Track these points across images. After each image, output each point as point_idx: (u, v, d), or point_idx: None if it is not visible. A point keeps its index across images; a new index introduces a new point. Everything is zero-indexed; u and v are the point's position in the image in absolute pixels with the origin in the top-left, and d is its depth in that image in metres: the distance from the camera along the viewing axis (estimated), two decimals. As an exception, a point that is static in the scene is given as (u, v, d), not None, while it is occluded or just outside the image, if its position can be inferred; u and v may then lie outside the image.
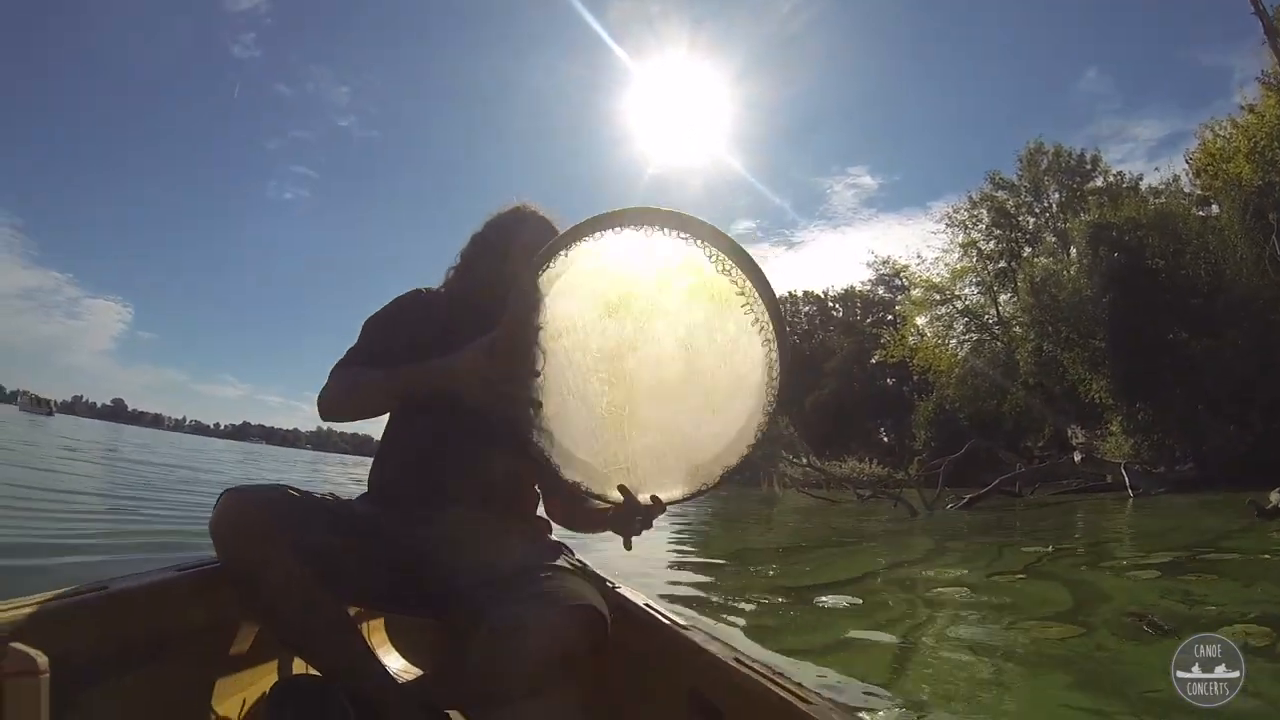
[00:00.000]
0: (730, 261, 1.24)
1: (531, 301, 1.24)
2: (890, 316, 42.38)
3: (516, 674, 1.11)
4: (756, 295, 1.25)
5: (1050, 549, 6.54)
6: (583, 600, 1.15)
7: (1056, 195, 30.38)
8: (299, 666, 1.38)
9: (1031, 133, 31.70)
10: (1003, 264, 30.88)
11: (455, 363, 1.30)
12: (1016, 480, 16.57)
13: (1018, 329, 27.50)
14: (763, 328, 1.26)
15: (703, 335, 1.28)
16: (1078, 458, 16.59)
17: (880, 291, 47.07)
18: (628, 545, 1.38)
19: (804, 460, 25.92)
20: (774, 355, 1.27)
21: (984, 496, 14.71)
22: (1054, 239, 29.14)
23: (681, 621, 1.40)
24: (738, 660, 1.17)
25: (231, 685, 1.34)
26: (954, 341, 31.26)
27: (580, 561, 1.44)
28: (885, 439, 44.56)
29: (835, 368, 48.16)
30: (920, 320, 32.37)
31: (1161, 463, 16.56)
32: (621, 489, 1.30)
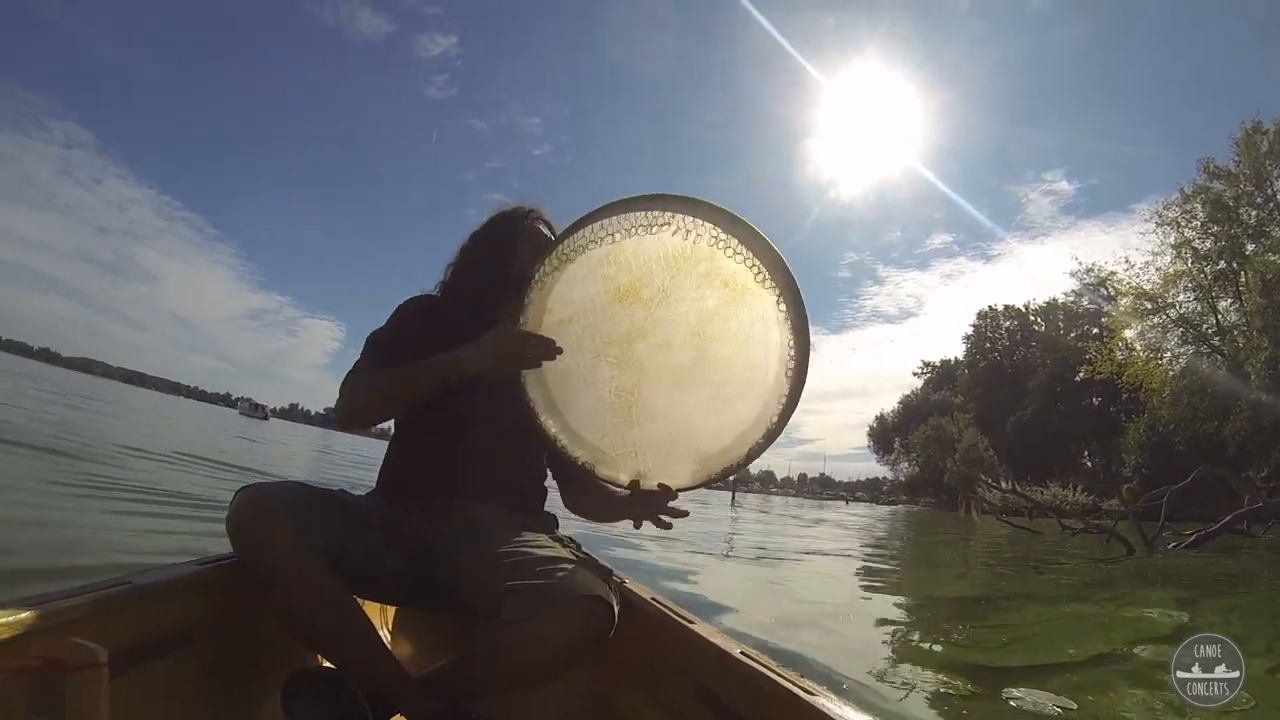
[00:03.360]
0: (747, 248, 1.25)
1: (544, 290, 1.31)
2: (1096, 330, 38.94)
3: (526, 664, 1.18)
4: (775, 282, 1.25)
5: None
6: (591, 593, 1.17)
7: (1282, 182, 26.54)
8: (315, 658, 1.39)
9: (1242, 114, 27.66)
10: (1222, 265, 27.83)
11: (475, 345, 1.34)
12: (1245, 517, 14.42)
13: (1242, 339, 24.41)
14: (782, 316, 1.26)
15: (716, 323, 1.29)
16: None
17: (1085, 303, 43.13)
18: (637, 525, 1.44)
19: (1004, 485, 24.38)
20: (791, 345, 1.26)
21: (1215, 534, 12.76)
22: (1282, 232, 25.56)
23: (688, 616, 1.41)
24: (744, 654, 1.18)
25: (248, 676, 1.37)
26: (1168, 355, 28.55)
27: (587, 554, 1.40)
28: (1089, 464, 40.69)
29: (1038, 386, 45.19)
30: (1129, 333, 29.76)
31: None
32: (631, 484, 1.37)
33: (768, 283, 1.25)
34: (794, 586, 6.49)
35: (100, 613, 1.02)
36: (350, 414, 1.45)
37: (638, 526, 1.45)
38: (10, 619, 0.87)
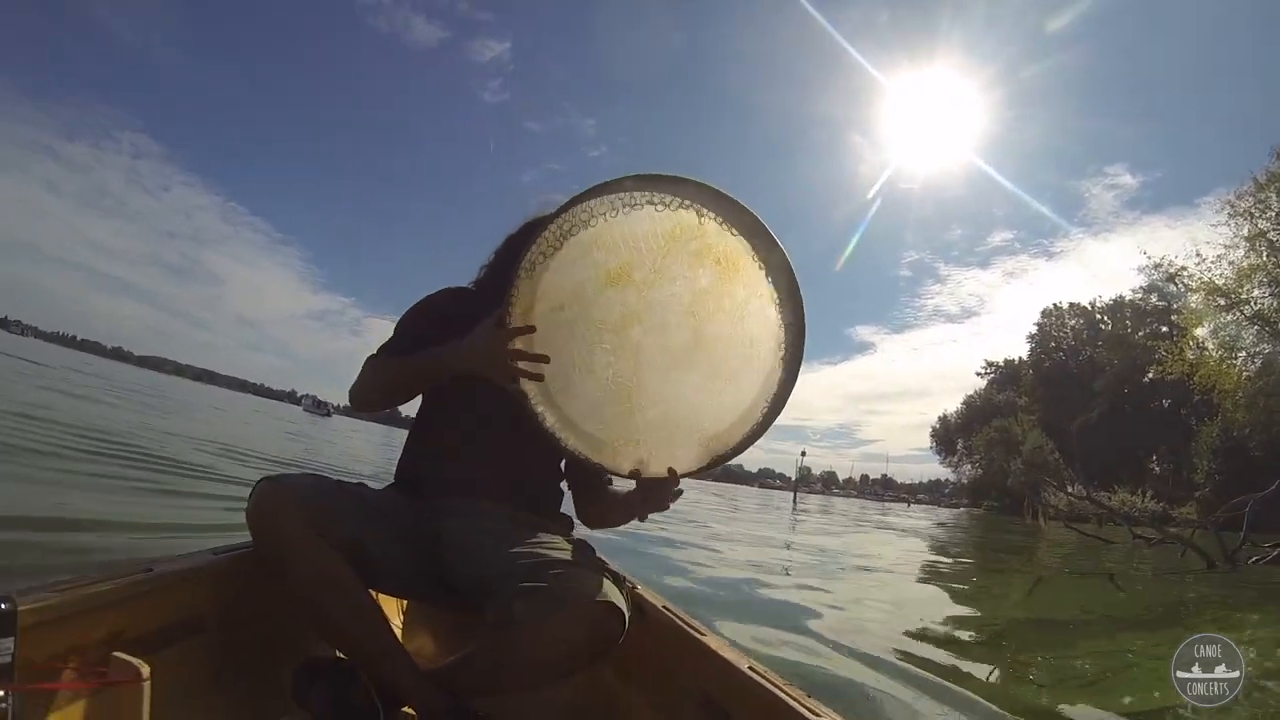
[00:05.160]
0: (733, 223, 1.25)
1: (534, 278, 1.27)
2: (1166, 328, 37.59)
3: (535, 666, 1.19)
4: (763, 257, 1.25)
5: None
6: (604, 598, 1.17)
7: (1364, 168, 25.17)
8: (327, 648, 1.39)
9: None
10: (1300, 259, 26.13)
11: (467, 340, 1.33)
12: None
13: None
14: (774, 290, 1.26)
15: (710, 301, 1.27)
16: None
17: (1154, 300, 41.82)
18: (641, 518, 1.42)
19: (1072, 490, 23.64)
20: (785, 318, 1.26)
21: (1308, 548, 11.66)
22: (1364, 224, 24.29)
23: (698, 626, 1.41)
24: (751, 669, 1.19)
25: (261, 663, 1.38)
26: (1243, 355, 27.44)
27: (602, 559, 1.41)
28: (1157, 469, 39.08)
29: (1105, 387, 43.92)
30: (1201, 331, 28.49)
31: None
32: (634, 472, 1.32)
33: (757, 257, 1.26)
34: (860, 600, 5.73)
35: (123, 600, 1.05)
36: (358, 398, 1.52)
37: (643, 519, 1.44)
38: (37, 604, 0.89)
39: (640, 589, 1.56)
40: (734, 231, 1.25)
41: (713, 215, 1.24)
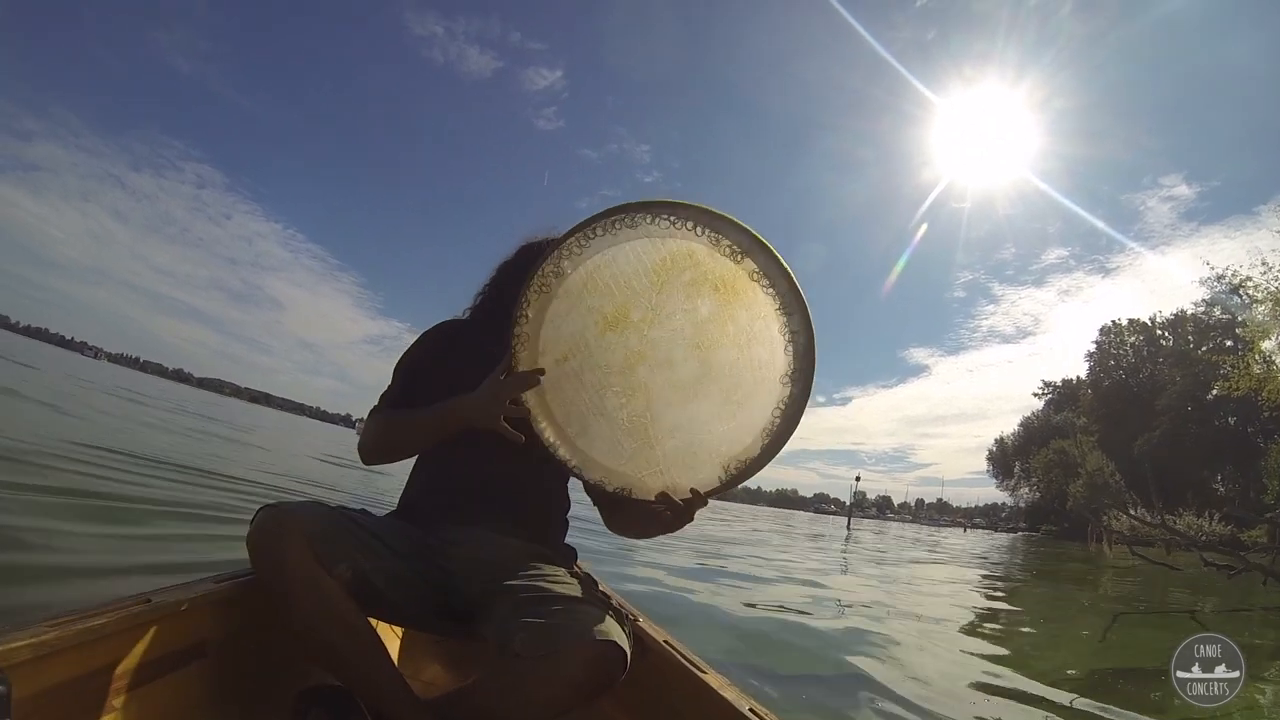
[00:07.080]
0: (729, 243, 1.22)
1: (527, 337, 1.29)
2: (1230, 342, 35.92)
3: (534, 702, 1.17)
4: (764, 275, 1.23)
5: None
6: (605, 636, 1.17)
7: None
8: (326, 675, 1.37)
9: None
10: (1373, 265, 24.86)
11: (464, 401, 1.40)
12: None
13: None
14: (779, 308, 1.24)
15: (713, 330, 1.27)
16: None
17: (1217, 313, 40.24)
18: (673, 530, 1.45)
19: (1139, 513, 22.51)
20: (792, 335, 1.25)
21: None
22: None
23: (699, 664, 1.40)
24: (752, 711, 1.18)
25: (259, 691, 1.39)
26: (1315, 369, 25.58)
27: (606, 594, 1.42)
28: (1221, 489, 37.20)
29: (1167, 406, 42.08)
30: (1268, 344, 27.17)
31: None
32: (662, 496, 1.33)
33: (757, 275, 1.22)
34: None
35: (120, 631, 1.05)
36: (367, 454, 1.58)
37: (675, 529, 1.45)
38: (33, 640, 0.89)
39: (643, 622, 1.57)
40: (728, 253, 1.22)
41: (703, 238, 1.22)
